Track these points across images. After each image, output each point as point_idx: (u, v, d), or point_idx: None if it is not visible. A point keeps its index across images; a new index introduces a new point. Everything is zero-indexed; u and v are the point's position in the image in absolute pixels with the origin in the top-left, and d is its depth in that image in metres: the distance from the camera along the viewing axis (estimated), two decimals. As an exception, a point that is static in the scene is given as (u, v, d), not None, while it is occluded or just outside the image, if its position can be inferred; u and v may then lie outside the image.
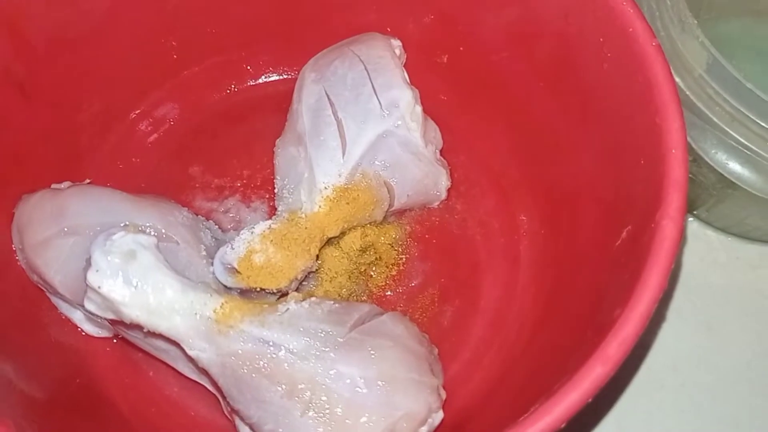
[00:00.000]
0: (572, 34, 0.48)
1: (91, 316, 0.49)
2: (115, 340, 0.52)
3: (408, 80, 0.54)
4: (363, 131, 0.52)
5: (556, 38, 0.49)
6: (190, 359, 0.46)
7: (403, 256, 0.56)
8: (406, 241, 0.56)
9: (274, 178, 0.54)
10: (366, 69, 0.54)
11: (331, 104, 0.53)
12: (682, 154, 0.40)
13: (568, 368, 0.38)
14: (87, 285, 0.43)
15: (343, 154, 0.52)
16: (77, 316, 0.51)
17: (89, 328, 0.52)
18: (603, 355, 0.35)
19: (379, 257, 0.55)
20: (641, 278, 0.37)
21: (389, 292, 0.55)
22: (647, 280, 0.36)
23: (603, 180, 0.47)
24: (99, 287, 0.43)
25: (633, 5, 0.43)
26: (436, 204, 0.57)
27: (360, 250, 0.54)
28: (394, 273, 0.55)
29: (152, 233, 0.47)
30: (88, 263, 0.44)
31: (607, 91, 0.46)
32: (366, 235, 0.54)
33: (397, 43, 0.56)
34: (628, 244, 0.42)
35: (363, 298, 0.54)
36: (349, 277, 0.54)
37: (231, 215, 0.57)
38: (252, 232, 0.49)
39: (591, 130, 0.49)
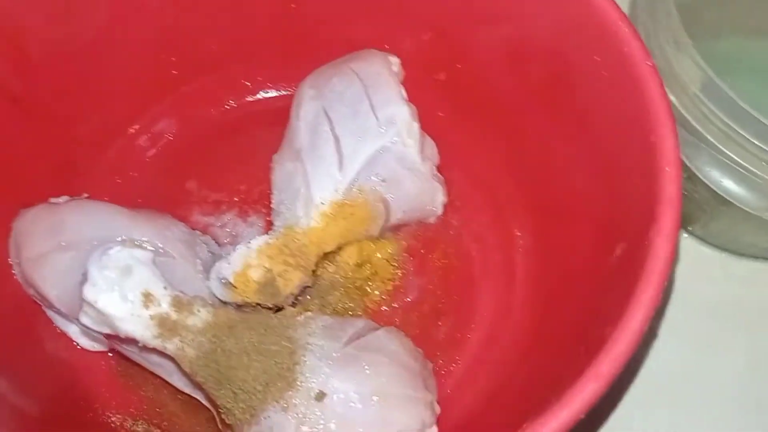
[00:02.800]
0: (568, 53, 0.48)
1: (86, 330, 0.49)
2: (110, 354, 0.52)
3: (406, 97, 0.54)
4: (360, 147, 0.52)
5: (552, 57, 0.50)
6: (185, 373, 0.46)
7: (399, 271, 0.56)
8: (402, 256, 0.56)
9: (271, 194, 0.55)
10: (364, 85, 0.54)
11: (329, 120, 0.53)
12: (675, 171, 0.40)
13: (561, 386, 0.38)
14: (83, 299, 0.44)
15: (340, 169, 0.52)
16: (73, 330, 0.51)
17: (85, 342, 0.51)
18: (595, 373, 0.35)
19: (375, 272, 0.55)
20: (634, 296, 0.37)
21: (385, 307, 0.54)
22: (640, 297, 0.36)
23: (597, 196, 0.47)
24: (95, 301, 0.43)
25: (629, 25, 0.44)
26: (432, 219, 0.57)
27: (356, 265, 0.54)
28: (389, 288, 0.55)
29: (149, 248, 0.47)
30: (85, 277, 0.44)
31: (603, 109, 0.47)
32: (362, 250, 0.54)
33: (395, 60, 0.57)
34: (622, 261, 0.42)
35: (359, 314, 0.54)
36: (345, 292, 0.54)
37: (228, 230, 0.57)
38: (248, 247, 0.49)
39: (586, 147, 0.49)
